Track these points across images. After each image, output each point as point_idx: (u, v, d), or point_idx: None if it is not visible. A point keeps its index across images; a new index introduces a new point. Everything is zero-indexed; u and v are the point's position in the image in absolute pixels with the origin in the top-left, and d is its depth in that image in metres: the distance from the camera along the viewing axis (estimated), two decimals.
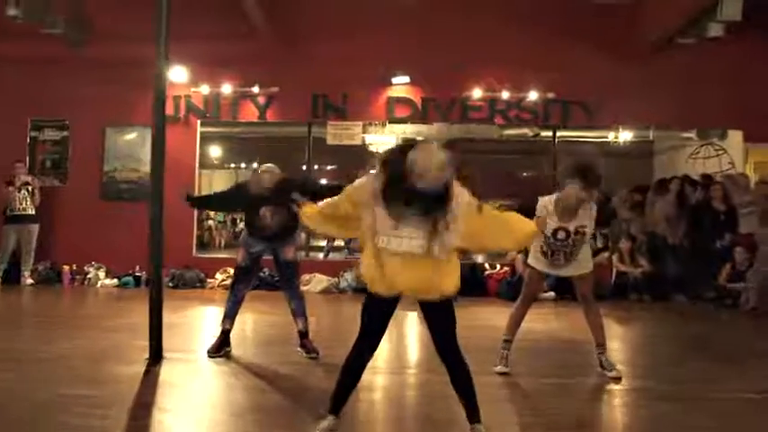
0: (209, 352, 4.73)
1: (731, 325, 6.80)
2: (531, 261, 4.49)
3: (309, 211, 3.23)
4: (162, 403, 3.69)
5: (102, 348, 4.93)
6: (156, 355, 4.56)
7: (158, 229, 4.67)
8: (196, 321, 6.63)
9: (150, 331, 4.59)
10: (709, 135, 10.82)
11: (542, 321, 6.24)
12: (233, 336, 4.93)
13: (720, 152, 10.65)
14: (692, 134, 10.92)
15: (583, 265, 4.38)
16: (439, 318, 2.95)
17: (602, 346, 4.39)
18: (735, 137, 9.66)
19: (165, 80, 4.76)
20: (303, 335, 4.83)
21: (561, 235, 4.23)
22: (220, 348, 4.77)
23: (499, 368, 4.36)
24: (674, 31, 7.80)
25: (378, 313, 2.95)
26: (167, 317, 6.31)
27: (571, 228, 4.22)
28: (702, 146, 10.71)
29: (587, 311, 4.44)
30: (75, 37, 8.39)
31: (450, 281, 2.89)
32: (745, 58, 8.36)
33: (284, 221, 4.70)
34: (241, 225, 16.44)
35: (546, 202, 4.27)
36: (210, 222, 16.27)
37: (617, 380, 4.21)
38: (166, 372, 4.32)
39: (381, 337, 2.99)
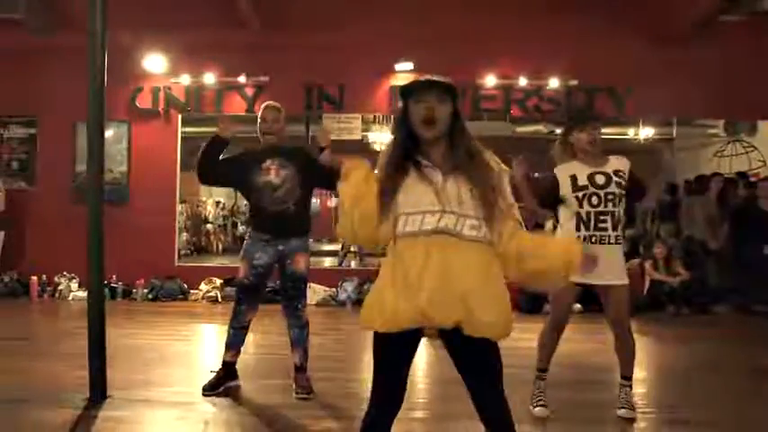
0: (203, 389, 3.74)
1: None
2: None
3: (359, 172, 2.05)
4: None
5: (33, 384, 3.99)
6: (98, 394, 3.65)
7: (98, 238, 3.78)
8: (166, 344, 5.62)
9: (90, 364, 3.68)
10: (737, 130, 10.03)
11: (566, 342, 5.16)
12: (197, 361, 4.00)
13: (749, 149, 9.90)
14: (718, 130, 10.14)
15: (618, 271, 3.33)
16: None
17: (628, 378, 3.45)
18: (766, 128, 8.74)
19: (103, 65, 3.87)
20: (299, 369, 3.83)
21: (600, 179, 3.30)
22: (218, 385, 3.78)
23: (538, 410, 3.43)
24: (718, 6, 6.82)
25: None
26: (132, 337, 5.49)
27: (609, 170, 3.33)
28: (729, 143, 9.91)
29: (619, 339, 3.42)
30: (39, 23, 7.54)
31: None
32: None
33: (296, 189, 3.70)
34: (242, 229, 15.75)
35: (566, 167, 3.40)
36: (209, 226, 15.47)
37: (629, 420, 3.34)
38: (107, 418, 3.39)
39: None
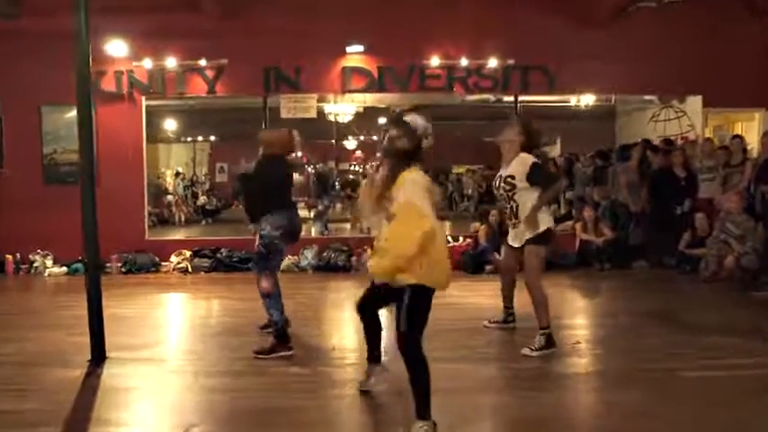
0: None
1: (691, 294, 6.74)
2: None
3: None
4: (104, 414, 3.41)
5: (38, 350, 4.59)
6: (98, 356, 4.27)
7: (92, 214, 4.36)
8: (147, 311, 6.24)
9: (90, 329, 4.29)
10: (669, 98, 10.88)
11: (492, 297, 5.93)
12: (178, 325, 4.65)
13: (680, 114, 10.73)
14: (653, 96, 10.97)
15: (521, 235, 4.42)
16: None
17: (542, 328, 4.37)
18: (694, 102, 9.62)
19: (88, 53, 4.39)
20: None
21: (497, 182, 4.47)
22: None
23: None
24: None
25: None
26: (115, 308, 6.06)
27: (503, 173, 4.41)
28: (663, 108, 10.77)
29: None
30: (5, 9, 7.78)
31: None
32: (704, 22, 8.21)
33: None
34: (202, 199, 16.17)
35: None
36: (170, 197, 15.73)
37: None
38: (110, 375, 4.04)
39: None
